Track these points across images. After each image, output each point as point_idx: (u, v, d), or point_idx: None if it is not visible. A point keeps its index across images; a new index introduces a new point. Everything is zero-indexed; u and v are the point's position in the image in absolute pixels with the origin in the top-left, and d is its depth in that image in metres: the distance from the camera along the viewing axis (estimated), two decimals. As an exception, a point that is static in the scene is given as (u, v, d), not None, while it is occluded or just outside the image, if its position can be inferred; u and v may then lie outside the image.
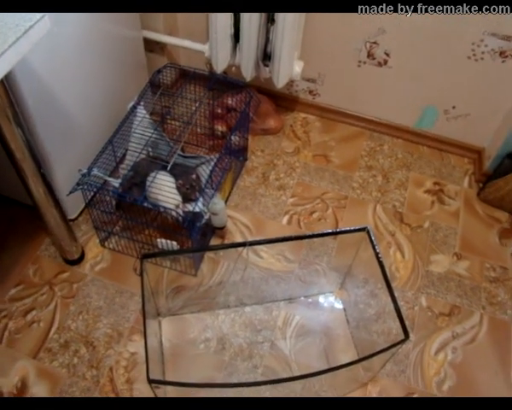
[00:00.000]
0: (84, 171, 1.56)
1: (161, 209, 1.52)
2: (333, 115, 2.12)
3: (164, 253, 1.57)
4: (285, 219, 1.83)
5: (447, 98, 1.90)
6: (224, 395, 1.35)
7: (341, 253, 1.73)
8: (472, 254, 1.77)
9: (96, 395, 1.43)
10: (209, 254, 1.72)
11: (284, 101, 2.15)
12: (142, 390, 1.44)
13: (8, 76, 1.33)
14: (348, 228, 1.40)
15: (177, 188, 1.57)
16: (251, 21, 1.75)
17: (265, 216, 1.84)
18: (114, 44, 1.75)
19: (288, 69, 1.87)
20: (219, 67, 1.92)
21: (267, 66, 1.88)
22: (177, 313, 1.60)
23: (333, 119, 2.13)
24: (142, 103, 1.74)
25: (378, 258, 1.37)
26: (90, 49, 1.62)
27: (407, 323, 1.56)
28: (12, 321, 1.57)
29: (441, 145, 2.03)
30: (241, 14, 1.75)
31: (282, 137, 2.08)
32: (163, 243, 1.62)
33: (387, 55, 1.85)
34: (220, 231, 1.76)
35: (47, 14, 1.09)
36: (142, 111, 1.73)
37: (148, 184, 1.56)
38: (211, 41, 1.86)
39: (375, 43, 1.83)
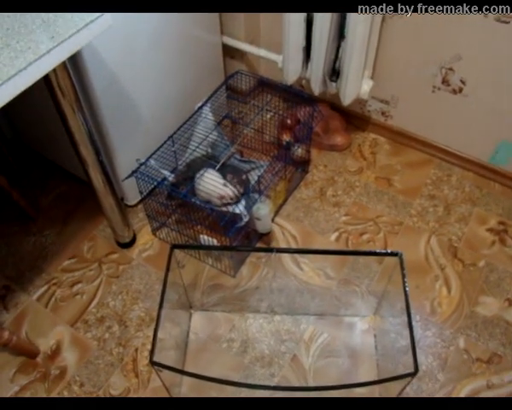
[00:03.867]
0: (142, 161, 1.66)
1: (202, 205, 1.59)
2: (403, 139, 2.06)
3: (191, 246, 1.63)
4: (334, 236, 1.81)
5: (525, 135, 1.79)
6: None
7: (384, 279, 1.68)
8: (527, 304, 1.64)
9: (118, 371, 1.52)
10: (251, 259, 1.76)
11: (356, 120, 2.13)
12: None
13: (79, 67, 1.47)
14: (380, 251, 1.36)
15: (229, 182, 1.63)
16: (322, 35, 1.76)
17: (315, 230, 1.83)
18: (191, 46, 1.85)
19: (356, 87, 1.86)
20: (290, 78, 1.94)
21: (334, 81, 1.88)
22: (208, 309, 1.65)
23: (403, 143, 2.07)
24: (208, 105, 1.82)
25: (404, 286, 1.32)
26: (166, 47, 1.73)
27: (438, 362, 1.52)
28: (60, 289, 1.70)
29: (515, 184, 1.91)
30: (313, 27, 1.77)
31: (348, 155, 2.06)
32: (205, 239, 1.68)
33: (463, 82, 1.78)
34: (266, 237, 1.79)
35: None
36: (207, 112, 1.81)
37: (195, 179, 1.64)
38: (284, 52, 1.90)
39: (450, 69, 1.77)
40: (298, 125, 2.00)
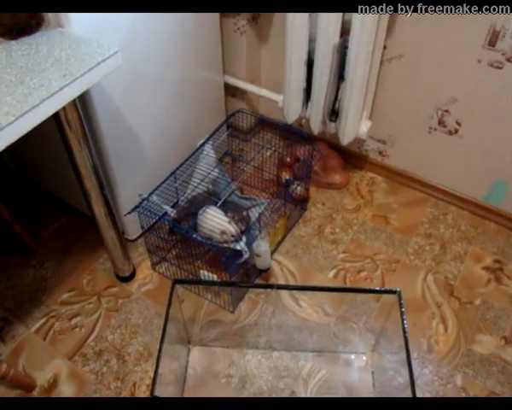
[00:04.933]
0: (144, 196, 1.68)
1: (204, 241, 1.61)
2: (400, 178, 2.11)
3: (193, 281, 1.64)
4: (332, 273, 1.83)
5: (519, 175, 1.84)
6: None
7: (382, 316, 1.70)
8: (523, 343, 1.66)
9: (116, 405, 1.51)
10: (250, 295, 1.77)
11: (354, 158, 2.18)
12: None
13: (86, 104, 1.50)
14: (378, 288, 1.39)
15: (230, 219, 1.66)
16: (322, 78, 1.81)
17: (313, 267, 1.85)
18: (194, 85, 1.90)
19: (355, 127, 1.90)
20: (290, 118, 1.99)
21: (333, 121, 1.93)
22: (207, 344, 1.65)
23: (400, 182, 2.11)
24: (210, 142, 1.85)
25: (403, 323, 1.34)
26: (170, 86, 1.77)
27: (435, 400, 1.53)
28: (58, 322, 1.70)
29: (510, 223, 1.94)
30: (314, 69, 1.83)
31: (346, 193, 2.10)
32: (205, 274, 1.69)
33: (458, 124, 1.83)
34: (265, 273, 1.81)
35: (119, 51, 1.23)
36: (209, 149, 1.85)
37: (198, 216, 1.66)
38: (284, 93, 1.95)
39: (446, 111, 1.82)
40: (297, 163, 2.03)
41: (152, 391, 1.23)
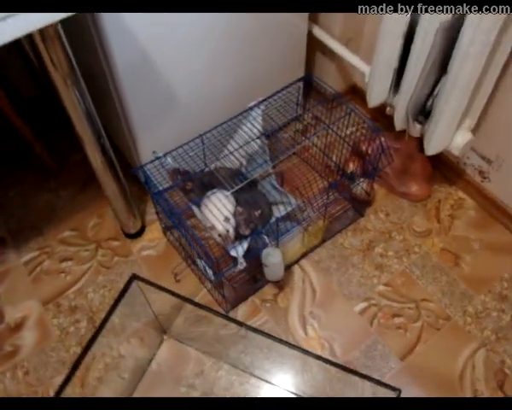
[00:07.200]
0: (159, 155, 1.44)
1: (195, 237, 1.34)
2: (496, 211, 1.62)
3: (152, 283, 1.35)
4: (359, 307, 1.48)
5: None
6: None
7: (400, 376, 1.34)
8: None
9: (65, 372, 1.37)
10: (254, 298, 1.49)
11: (447, 168, 1.71)
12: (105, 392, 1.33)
13: (102, 39, 1.26)
14: (377, 379, 1.04)
15: (234, 214, 1.36)
16: (418, 61, 1.39)
17: (341, 291, 1.51)
18: (263, 28, 1.54)
19: (446, 137, 1.45)
20: (372, 100, 1.58)
21: (420, 123, 1.49)
22: (184, 341, 1.43)
23: (494, 215, 1.63)
24: (262, 107, 1.53)
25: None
26: (228, 27, 1.45)
27: None
28: (49, 260, 1.59)
29: None
30: (412, 48, 1.40)
31: (421, 208, 1.67)
32: (202, 264, 1.44)
33: None
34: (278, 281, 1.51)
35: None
36: (257, 115, 1.53)
37: (204, 198, 1.39)
38: (372, 67, 1.54)
39: None
40: (369, 156, 1.65)
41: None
